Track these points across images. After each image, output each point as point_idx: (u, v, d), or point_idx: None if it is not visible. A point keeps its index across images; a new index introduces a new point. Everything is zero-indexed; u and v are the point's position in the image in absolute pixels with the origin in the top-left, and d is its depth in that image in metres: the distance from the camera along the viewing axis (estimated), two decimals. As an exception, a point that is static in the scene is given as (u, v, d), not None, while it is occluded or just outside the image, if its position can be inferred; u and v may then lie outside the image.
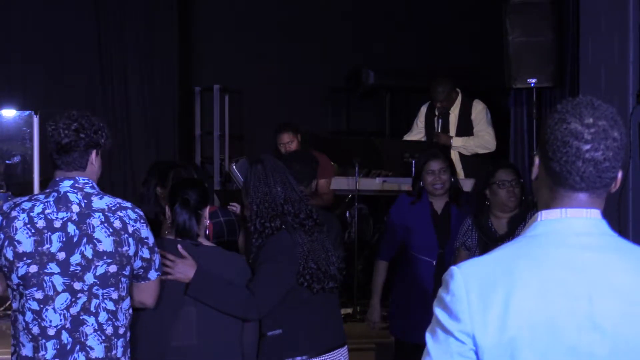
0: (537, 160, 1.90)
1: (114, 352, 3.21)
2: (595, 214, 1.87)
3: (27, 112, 8.04)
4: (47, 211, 3.17)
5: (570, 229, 1.85)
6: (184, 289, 3.60)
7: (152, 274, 3.33)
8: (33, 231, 3.14)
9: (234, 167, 7.72)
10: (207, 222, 3.89)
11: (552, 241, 1.84)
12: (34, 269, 3.14)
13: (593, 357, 1.77)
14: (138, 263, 3.26)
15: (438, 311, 1.83)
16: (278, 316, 3.77)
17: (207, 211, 3.79)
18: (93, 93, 8.92)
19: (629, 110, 6.79)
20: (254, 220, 3.81)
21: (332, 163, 7.49)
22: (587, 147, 1.81)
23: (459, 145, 7.53)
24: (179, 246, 3.64)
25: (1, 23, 8.66)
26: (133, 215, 3.24)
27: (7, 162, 7.82)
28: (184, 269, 3.60)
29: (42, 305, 3.14)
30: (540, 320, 1.77)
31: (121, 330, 3.25)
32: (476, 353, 1.79)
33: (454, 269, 1.83)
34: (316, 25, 9.63)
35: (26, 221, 3.15)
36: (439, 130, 7.55)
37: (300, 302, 3.80)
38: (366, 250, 8.37)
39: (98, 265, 3.16)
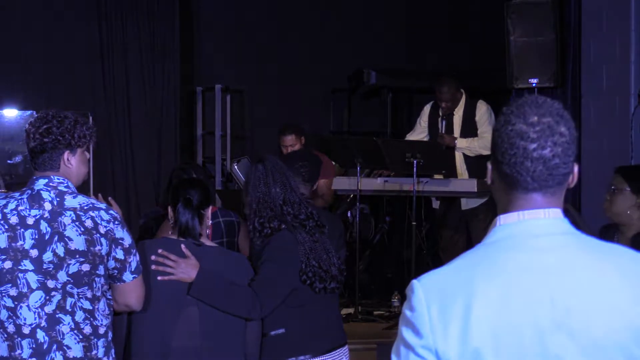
0: (489, 165, 1.88)
1: (94, 352, 3.20)
2: (554, 213, 1.83)
3: (28, 112, 8.05)
4: (20, 208, 3.17)
5: (529, 232, 1.81)
6: (186, 289, 3.60)
7: (127, 276, 3.30)
8: (6, 227, 3.15)
9: (236, 167, 7.75)
10: (210, 222, 3.89)
11: (511, 246, 1.80)
12: (8, 265, 3.14)
13: (561, 359, 1.73)
14: (112, 263, 3.24)
15: (401, 327, 1.80)
16: (281, 316, 3.77)
17: (209, 211, 3.79)
18: (95, 93, 8.92)
19: (631, 110, 6.79)
20: (253, 219, 3.81)
21: (334, 163, 7.49)
22: (534, 145, 1.79)
23: (464, 146, 7.50)
24: (182, 246, 3.64)
25: (2, 23, 8.66)
26: (106, 216, 3.21)
27: (8, 161, 7.84)
28: (187, 269, 3.60)
29: (16, 303, 3.13)
30: (502, 329, 1.73)
31: (101, 330, 3.23)
32: None
33: (414, 282, 1.80)
34: (318, 25, 9.63)
35: None
36: (443, 131, 7.53)
37: (302, 302, 3.79)
38: (367, 250, 8.37)
39: (70, 264, 3.15)
